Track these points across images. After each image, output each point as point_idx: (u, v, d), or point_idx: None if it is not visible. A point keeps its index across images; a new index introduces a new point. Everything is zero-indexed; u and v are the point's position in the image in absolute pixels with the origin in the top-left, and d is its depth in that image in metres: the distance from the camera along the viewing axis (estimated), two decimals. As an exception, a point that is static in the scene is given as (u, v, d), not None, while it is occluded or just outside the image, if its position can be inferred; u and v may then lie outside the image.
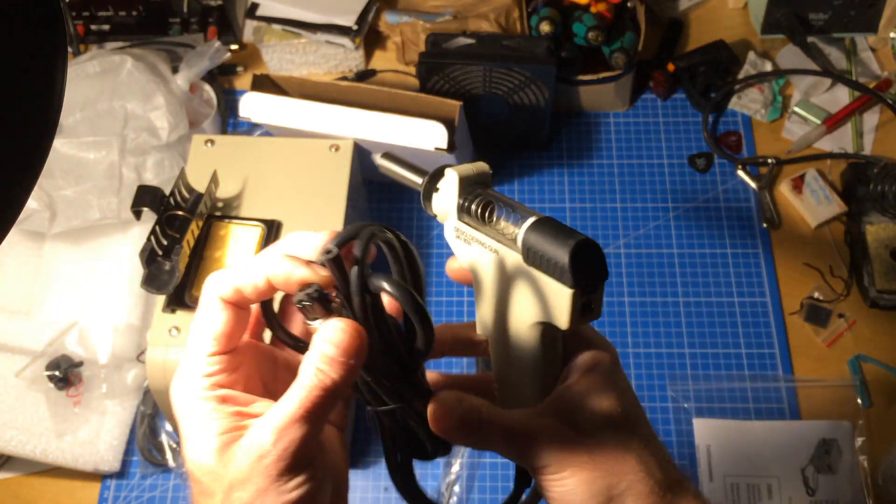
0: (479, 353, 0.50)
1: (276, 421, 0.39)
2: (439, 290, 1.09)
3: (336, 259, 0.41)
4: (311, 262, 0.42)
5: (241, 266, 0.43)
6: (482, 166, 0.47)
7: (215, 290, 0.43)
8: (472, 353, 0.50)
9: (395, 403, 0.45)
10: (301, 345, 0.45)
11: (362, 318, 0.42)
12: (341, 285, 0.42)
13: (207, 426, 0.41)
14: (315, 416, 0.40)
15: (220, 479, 0.40)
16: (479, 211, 0.45)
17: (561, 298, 0.42)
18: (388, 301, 0.45)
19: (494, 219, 0.45)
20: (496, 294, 0.46)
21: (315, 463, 0.41)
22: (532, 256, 0.42)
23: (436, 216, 0.48)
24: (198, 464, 0.41)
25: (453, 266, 0.49)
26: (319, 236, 0.44)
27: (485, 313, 0.47)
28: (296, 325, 0.48)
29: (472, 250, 0.46)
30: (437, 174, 0.47)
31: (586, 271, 0.41)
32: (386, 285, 0.41)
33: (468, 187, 0.46)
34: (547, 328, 0.44)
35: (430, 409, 0.45)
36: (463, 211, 0.46)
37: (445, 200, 0.47)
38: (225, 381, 0.43)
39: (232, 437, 0.40)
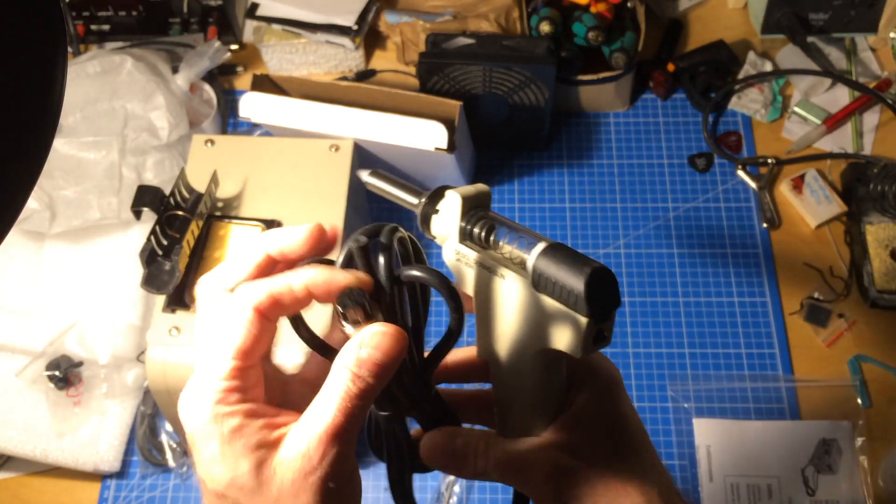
0: (479, 379, 0.49)
1: (317, 433, 0.38)
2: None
3: (364, 248, 0.40)
4: (348, 268, 0.41)
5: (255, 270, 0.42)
6: (482, 188, 0.46)
7: (249, 297, 0.40)
8: (472, 380, 0.49)
9: (408, 404, 0.44)
10: (329, 352, 0.43)
11: (389, 308, 0.41)
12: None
13: (238, 442, 0.38)
14: (355, 425, 0.39)
15: (260, 497, 0.38)
16: (483, 234, 0.44)
17: (574, 327, 0.41)
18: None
19: (499, 242, 0.44)
20: (500, 319, 0.45)
21: (355, 473, 0.40)
22: (543, 283, 0.41)
23: (434, 238, 0.47)
24: (229, 482, 0.38)
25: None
26: (302, 229, 0.42)
27: (486, 338, 0.46)
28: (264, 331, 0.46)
29: (474, 274, 0.45)
30: (437, 195, 0.46)
31: (601, 300, 0.40)
32: (416, 272, 0.40)
33: (469, 210, 0.45)
34: (552, 355, 0.43)
35: (422, 442, 0.45)
36: (465, 234, 0.45)
37: (446, 223, 0.46)
38: (249, 394, 0.40)
39: (267, 453, 0.38)
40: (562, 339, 0.42)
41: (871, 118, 1.19)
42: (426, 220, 0.46)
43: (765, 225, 1.12)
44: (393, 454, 0.47)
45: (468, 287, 0.46)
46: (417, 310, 0.43)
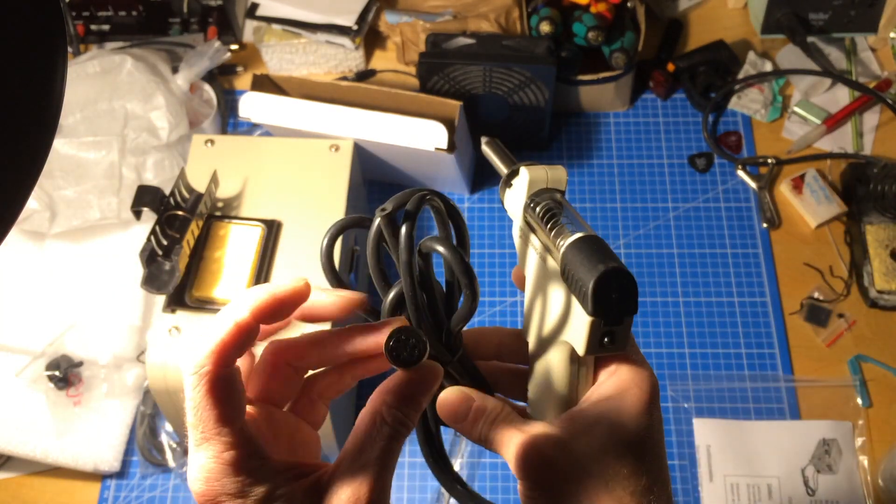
0: (522, 361, 0.49)
1: (355, 486, 0.39)
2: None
3: (389, 216, 0.40)
4: (378, 244, 0.42)
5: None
6: (559, 171, 0.46)
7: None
8: (517, 360, 0.50)
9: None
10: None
11: (409, 278, 0.41)
12: (392, 245, 0.41)
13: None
14: (393, 464, 0.40)
15: None
16: (541, 215, 0.44)
17: (580, 323, 0.41)
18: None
19: (554, 226, 0.43)
20: (538, 301, 0.45)
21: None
22: (566, 273, 0.41)
23: (507, 212, 0.48)
24: None
25: (519, 273, 0.48)
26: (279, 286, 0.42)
27: (528, 316, 0.47)
28: (273, 382, 0.45)
29: (527, 254, 0.46)
30: (515, 171, 0.47)
31: (609, 301, 0.39)
32: (437, 245, 0.40)
33: (539, 190, 0.45)
34: (573, 349, 0.43)
35: (440, 394, 0.45)
36: (527, 211, 0.45)
37: (515, 198, 0.46)
38: (263, 456, 0.41)
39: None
40: (571, 332, 0.42)
41: (871, 118, 1.19)
42: (502, 193, 0.47)
43: (765, 225, 1.12)
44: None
45: (524, 265, 0.46)
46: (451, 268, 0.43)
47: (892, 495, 0.92)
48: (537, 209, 0.45)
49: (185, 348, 0.40)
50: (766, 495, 0.94)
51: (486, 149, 0.50)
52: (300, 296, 0.41)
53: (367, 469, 0.39)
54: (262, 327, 0.41)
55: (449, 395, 0.45)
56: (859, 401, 0.99)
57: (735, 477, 0.96)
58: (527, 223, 0.46)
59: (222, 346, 0.39)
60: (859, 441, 0.96)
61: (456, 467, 0.97)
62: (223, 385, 0.39)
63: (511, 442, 0.44)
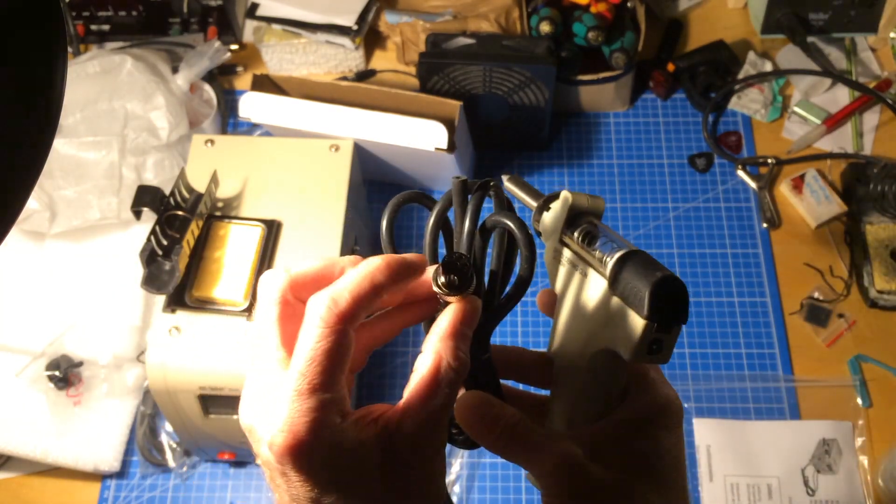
0: (538, 383, 0.50)
1: (428, 411, 0.40)
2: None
3: (463, 183, 0.43)
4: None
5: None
6: (599, 201, 0.49)
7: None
8: (533, 381, 0.51)
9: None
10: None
11: (470, 252, 0.43)
12: (458, 217, 0.43)
13: (363, 428, 0.40)
14: (451, 406, 0.42)
15: (390, 474, 0.41)
16: (581, 235, 0.47)
17: (633, 328, 0.42)
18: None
19: (593, 244, 0.46)
20: (573, 314, 0.47)
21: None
22: (617, 283, 0.43)
23: (540, 234, 0.50)
24: (358, 465, 0.40)
25: (544, 297, 0.50)
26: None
27: (560, 332, 0.48)
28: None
29: (563, 272, 0.48)
30: (554, 195, 0.49)
31: (664, 306, 0.41)
32: (507, 220, 0.42)
33: (578, 213, 0.48)
34: (612, 358, 0.45)
35: (459, 397, 0.45)
36: (566, 232, 0.48)
37: (553, 220, 0.49)
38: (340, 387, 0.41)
39: (387, 432, 0.40)
40: (619, 338, 0.43)
41: (871, 118, 1.19)
42: (539, 215, 0.49)
43: (765, 225, 1.12)
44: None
45: (556, 284, 0.48)
46: (500, 259, 0.45)
47: (892, 495, 0.92)
48: (578, 230, 0.47)
49: (313, 298, 0.40)
50: (766, 495, 0.94)
51: (509, 185, 0.52)
52: (422, 265, 0.43)
53: (436, 414, 0.40)
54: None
55: (470, 398, 0.45)
56: (859, 401, 0.99)
57: (735, 477, 0.96)
58: (564, 243, 0.48)
59: (358, 306, 0.39)
60: (859, 441, 0.96)
61: (455, 468, 0.97)
62: (348, 344, 0.40)
63: (535, 452, 0.44)
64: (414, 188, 1.16)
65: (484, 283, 0.45)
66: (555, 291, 0.49)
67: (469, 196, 0.44)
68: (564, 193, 0.48)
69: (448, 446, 0.47)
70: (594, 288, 0.45)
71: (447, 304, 0.43)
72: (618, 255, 0.44)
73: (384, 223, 0.46)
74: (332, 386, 0.39)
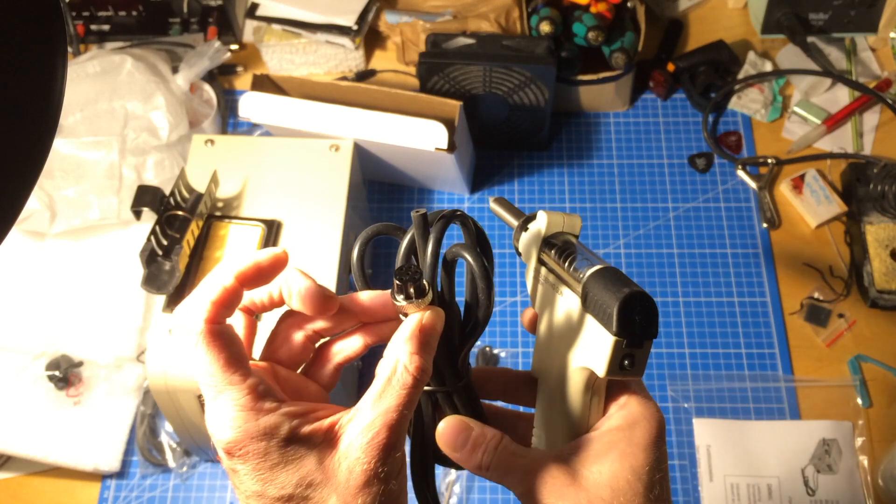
0: (526, 402, 0.50)
1: (378, 424, 0.40)
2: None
3: (423, 217, 0.43)
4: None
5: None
6: (575, 218, 0.49)
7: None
8: (520, 401, 0.51)
9: (437, 386, 0.46)
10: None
11: (433, 284, 0.43)
12: (420, 247, 0.43)
13: (297, 444, 0.40)
14: (409, 417, 0.41)
15: (329, 489, 0.40)
16: (557, 253, 0.47)
17: (603, 345, 0.42)
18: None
19: (569, 262, 0.46)
20: (553, 333, 0.47)
21: (405, 467, 0.42)
22: (588, 300, 0.43)
23: (520, 255, 0.50)
24: (297, 482, 0.40)
25: (528, 315, 0.50)
26: (260, 253, 0.44)
27: (540, 350, 0.49)
28: (285, 347, 0.47)
29: (542, 290, 0.48)
30: (532, 216, 0.50)
31: (632, 323, 0.41)
32: (464, 252, 0.42)
33: (555, 232, 0.48)
34: (589, 375, 0.45)
35: (440, 423, 0.46)
36: (544, 250, 0.48)
37: (530, 240, 0.49)
38: (277, 394, 0.43)
39: (328, 447, 0.40)
40: (591, 356, 0.43)
41: (871, 118, 1.19)
42: (517, 236, 0.50)
43: (765, 225, 1.12)
44: (418, 435, 0.48)
45: (535, 303, 0.49)
46: (468, 286, 0.45)
47: (892, 495, 0.92)
48: (554, 249, 0.47)
49: (179, 319, 0.43)
50: (766, 495, 0.94)
51: (494, 206, 0.53)
52: (279, 263, 0.44)
53: (387, 415, 0.40)
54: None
55: (448, 424, 0.46)
56: (859, 401, 0.99)
57: (735, 477, 0.96)
58: (542, 262, 0.48)
59: (212, 306, 0.42)
60: (859, 441, 0.96)
61: (452, 476, 0.97)
62: (221, 336, 0.42)
63: (517, 470, 0.44)
64: (414, 188, 1.16)
65: (458, 306, 0.45)
66: (535, 312, 0.49)
67: (430, 228, 0.44)
68: (541, 213, 0.48)
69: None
70: (570, 305, 0.45)
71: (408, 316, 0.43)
72: (589, 272, 0.44)
73: (354, 256, 0.46)
74: (240, 376, 0.41)
